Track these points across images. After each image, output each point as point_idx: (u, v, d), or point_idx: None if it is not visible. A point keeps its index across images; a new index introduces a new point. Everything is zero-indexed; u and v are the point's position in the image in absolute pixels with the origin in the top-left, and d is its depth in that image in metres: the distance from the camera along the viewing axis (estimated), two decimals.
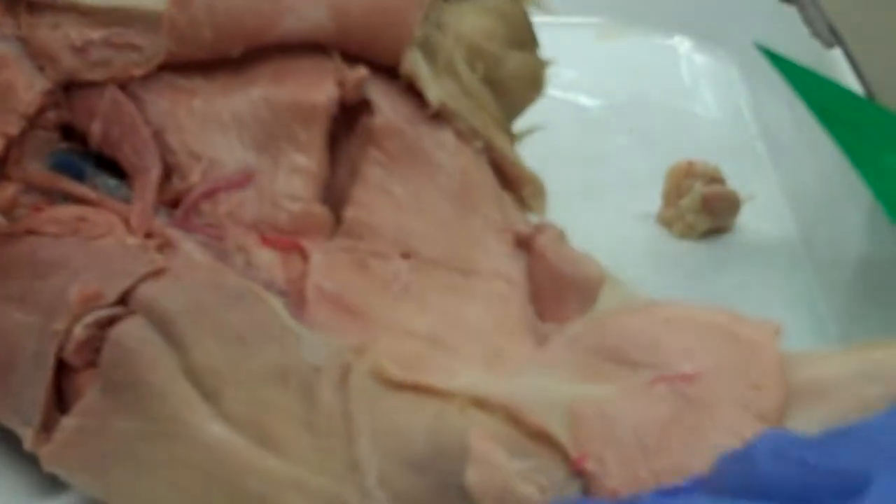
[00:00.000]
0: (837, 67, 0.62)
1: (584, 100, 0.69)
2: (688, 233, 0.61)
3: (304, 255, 0.47)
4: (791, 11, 0.68)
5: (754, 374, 0.41)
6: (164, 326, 0.43)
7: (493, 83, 0.53)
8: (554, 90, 0.58)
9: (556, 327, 0.46)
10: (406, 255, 0.47)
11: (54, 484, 0.46)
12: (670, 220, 0.61)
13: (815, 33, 0.66)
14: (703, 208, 0.61)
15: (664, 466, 0.39)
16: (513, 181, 0.52)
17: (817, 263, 0.60)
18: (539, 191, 0.53)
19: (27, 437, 0.45)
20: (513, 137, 0.54)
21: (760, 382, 0.40)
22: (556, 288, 0.48)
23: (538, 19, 0.56)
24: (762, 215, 0.62)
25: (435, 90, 0.50)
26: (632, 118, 0.68)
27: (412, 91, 0.50)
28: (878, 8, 0.74)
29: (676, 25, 0.73)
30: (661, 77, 0.71)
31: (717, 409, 0.40)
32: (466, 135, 0.50)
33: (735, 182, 0.62)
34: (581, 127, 0.67)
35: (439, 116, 0.50)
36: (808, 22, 0.68)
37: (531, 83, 0.55)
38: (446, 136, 0.50)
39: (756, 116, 0.69)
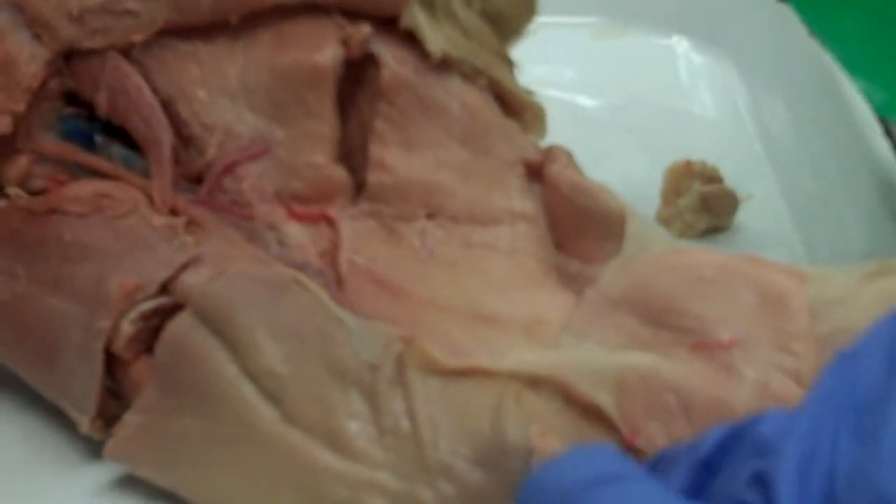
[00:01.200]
0: (834, 68, 0.63)
1: (583, 100, 0.70)
2: (686, 232, 0.61)
3: (332, 224, 0.47)
4: (789, 11, 0.68)
5: (787, 334, 0.41)
6: (215, 325, 0.43)
7: (490, 15, 0.53)
8: (552, 90, 0.58)
9: (582, 267, 0.47)
10: (431, 216, 0.48)
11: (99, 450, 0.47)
12: (669, 219, 0.61)
13: (812, 32, 0.66)
14: (701, 207, 0.61)
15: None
16: (514, 109, 0.52)
17: (816, 262, 0.60)
18: (539, 114, 0.53)
19: (82, 423, 0.46)
20: (511, 65, 0.54)
21: (793, 346, 0.41)
22: (574, 221, 0.48)
23: (538, 19, 0.56)
24: (760, 214, 0.62)
25: (436, 41, 0.49)
26: (630, 118, 0.68)
27: (413, 40, 0.50)
28: None
29: (674, 25, 0.73)
30: (659, 77, 0.71)
31: (753, 373, 0.40)
32: (470, 74, 0.50)
33: (733, 181, 0.62)
34: (579, 126, 0.67)
35: (443, 63, 0.50)
36: (806, 21, 0.68)
37: (525, 6, 0.55)
38: (452, 81, 0.50)
39: (754, 116, 0.69)
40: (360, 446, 0.41)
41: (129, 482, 0.46)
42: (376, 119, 0.49)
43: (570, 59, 0.67)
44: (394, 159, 0.48)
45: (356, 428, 0.42)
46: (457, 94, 0.49)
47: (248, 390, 0.43)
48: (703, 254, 0.45)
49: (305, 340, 0.43)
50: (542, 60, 0.57)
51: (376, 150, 0.48)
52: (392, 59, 0.49)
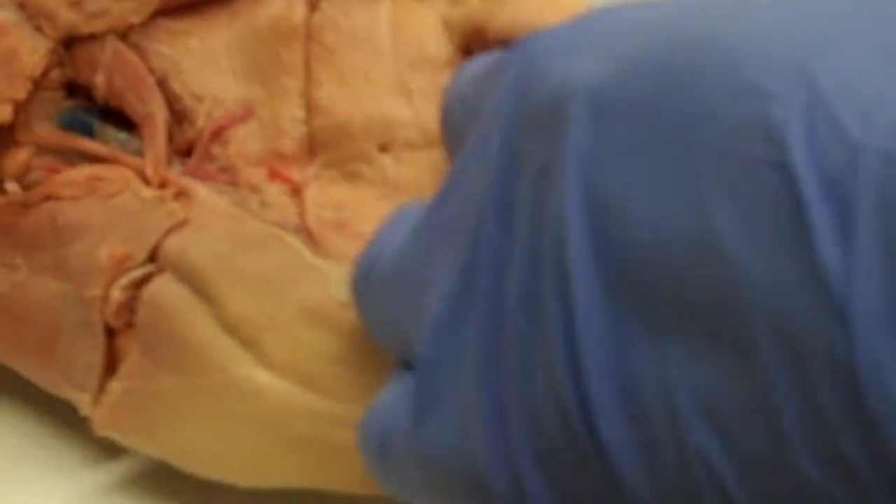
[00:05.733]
0: None
1: None
2: None
3: (300, 190, 0.47)
4: None
5: None
6: (191, 280, 0.44)
7: None
8: None
9: None
10: (383, 147, 0.47)
11: (109, 451, 0.47)
12: None
13: None
14: None
15: None
16: None
17: None
18: None
19: (83, 402, 0.46)
20: None
21: None
22: None
23: None
24: None
25: None
26: None
27: None
28: None
29: None
30: None
31: None
32: None
33: None
34: None
35: None
36: None
37: None
38: (381, 7, 0.49)
39: None
40: (329, 381, 0.41)
41: (125, 486, 0.46)
42: (312, 64, 0.49)
43: None
44: (329, 99, 0.48)
45: (328, 364, 0.41)
46: (385, 15, 0.49)
47: (223, 339, 0.43)
48: None
49: (279, 286, 0.43)
50: None
51: (314, 92, 0.48)
52: (326, 5, 0.49)
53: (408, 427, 0.35)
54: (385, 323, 0.38)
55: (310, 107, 0.48)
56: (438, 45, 0.49)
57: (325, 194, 0.47)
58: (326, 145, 0.48)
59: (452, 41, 0.49)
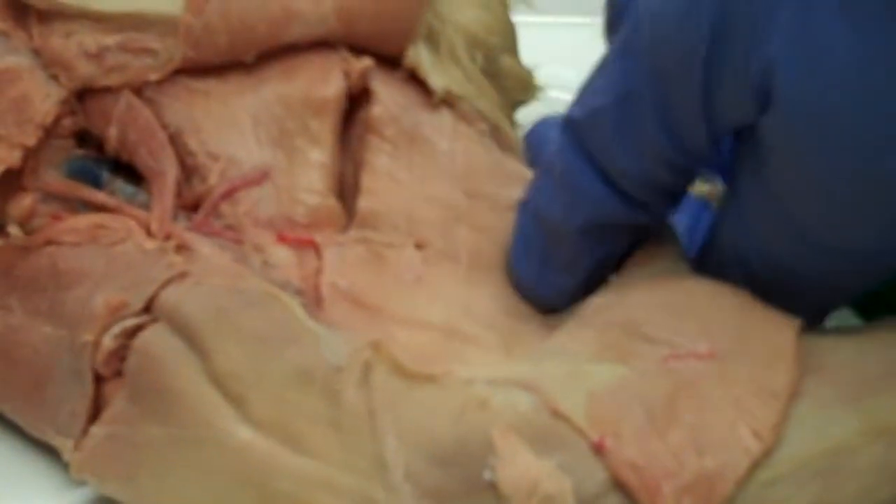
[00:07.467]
0: None
1: None
2: None
3: (318, 252, 0.47)
4: None
5: (769, 355, 0.41)
6: (185, 332, 0.43)
7: (491, 76, 0.54)
8: (553, 90, 0.58)
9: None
10: (419, 246, 0.48)
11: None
12: None
13: None
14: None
15: (675, 438, 0.39)
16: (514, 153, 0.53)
17: None
18: None
19: (67, 448, 0.46)
20: (516, 127, 0.55)
21: (774, 363, 0.41)
22: None
23: (538, 19, 0.56)
24: None
25: (439, 78, 0.51)
26: None
27: (414, 79, 0.51)
28: None
29: None
30: None
31: (727, 384, 0.41)
32: (471, 117, 0.51)
33: None
34: None
35: (443, 103, 0.51)
36: None
37: (522, 84, 0.56)
38: (444, 121, 0.51)
39: None
40: (317, 444, 0.41)
41: None
42: (366, 152, 0.50)
43: (571, 59, 0.67)
44: (383, 188, 0.49)
45: (314, 426, 0.41)
46: (449, 135, 0.50)
47: (211, 393, 0.43)
48: (694, 280, 0.45)
49: (271, 345, 0.43)
50: (543, 60, 0.57)
51: (366, 179, 0.49)
52: (385, 95, 0.50)
53: None
54: None
55: (359, 187, 0.49)
56: (490, 183, 0.50)
57: (346, 265, 0.47)
58: (365, 224, 0.48)
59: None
